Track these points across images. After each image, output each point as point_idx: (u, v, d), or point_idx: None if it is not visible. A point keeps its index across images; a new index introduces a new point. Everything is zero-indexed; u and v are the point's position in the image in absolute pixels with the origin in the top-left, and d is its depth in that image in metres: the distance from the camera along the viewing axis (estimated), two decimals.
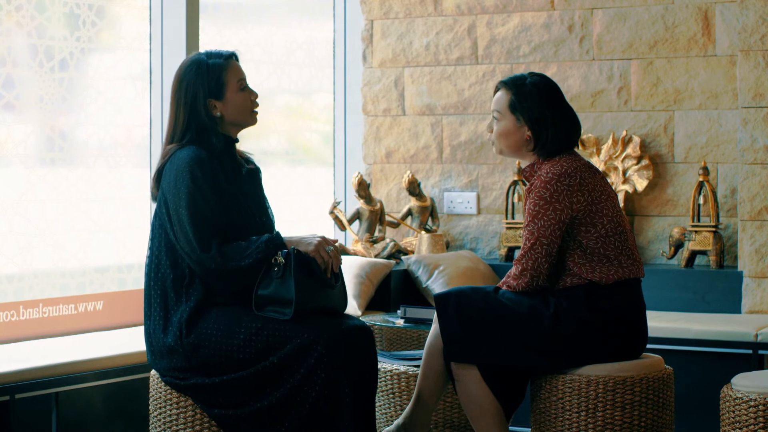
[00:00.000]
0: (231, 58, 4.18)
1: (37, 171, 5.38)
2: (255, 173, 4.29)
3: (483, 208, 6.97)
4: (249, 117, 4.20)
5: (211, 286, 4.05)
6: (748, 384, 4.14)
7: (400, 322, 4.96)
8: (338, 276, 4.13)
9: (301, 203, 7.04)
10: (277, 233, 4.08)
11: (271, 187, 6.41)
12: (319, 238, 4.08)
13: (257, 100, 4.22)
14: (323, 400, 3.91)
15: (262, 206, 4.26)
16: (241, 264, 3.98)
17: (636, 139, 6.50)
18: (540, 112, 4.23)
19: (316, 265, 4.04)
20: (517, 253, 4.26)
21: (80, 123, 5.59)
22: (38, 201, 5.38)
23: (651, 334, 5.51)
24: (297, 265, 3.97)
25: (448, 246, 6.91)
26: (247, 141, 6.66)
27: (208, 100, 4.11)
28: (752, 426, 4.05)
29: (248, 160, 4.30)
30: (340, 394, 3.92)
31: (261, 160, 6.42)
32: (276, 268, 3.98)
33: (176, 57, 5.87)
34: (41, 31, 5.38)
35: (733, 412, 4.14)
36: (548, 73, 6.52)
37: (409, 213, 6.89)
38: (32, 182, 5.36)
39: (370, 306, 6.23)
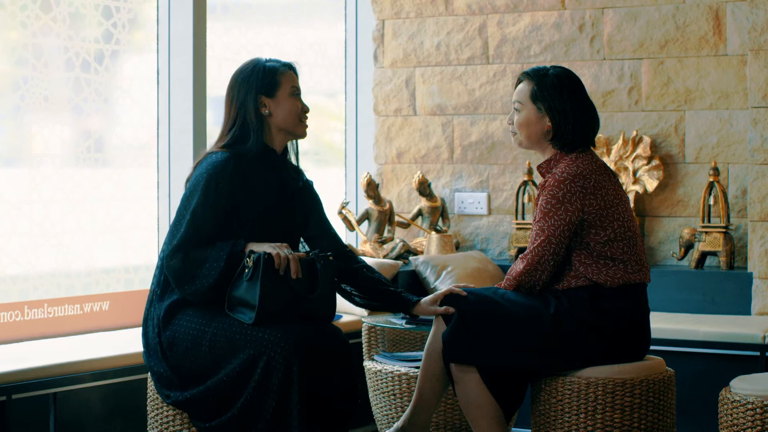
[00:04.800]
0: (288, 66, 4.20)
1: (42, 171, 5.39)
2: (299, 190, 4.27)
3: (494, 209, 6.95)
4: (297, 125, 4.19)
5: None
6: (746, 387, 4.11)
7: (402, 323, 4.94)
8: (315, 285, 4.08)
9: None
10: (240, 242, 4.03)
11: None
12: (278, 243, 4.04)
13: (308, 115, 4.22)
14: (281, 411, 3.86)
15: (294, 222, 4.25)
16: (204, 285, 4.00)
17: (646, 140, 6.46)
18: (561, 102, 4.22)
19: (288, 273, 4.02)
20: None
21: (86, 124, 5.60)
22: (43, 201, 5.39)
23: (658, 335, 5.49)
24: (265, 270, 3.95)
25: (458, 246, 6.89)
26: None
27: (260, 96, 4.12)
28: (750, 429, 4.02)
29: (295, 178, 4.28)
30: (292, 404, 3.86)
31: None
32: (246, 270, 3.97)
33: (183, 58, 5.87)
34: (46, 31, 5.39)
35: (731, 415, 4.10)
36: None
37: (420, 213, 6.87)
38: (37, 182, 5.37)
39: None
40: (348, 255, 4.36)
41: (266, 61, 4.18)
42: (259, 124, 4.13)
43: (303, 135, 4.23)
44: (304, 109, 4.20)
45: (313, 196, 4.33)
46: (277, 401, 3.86)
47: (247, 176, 4.10)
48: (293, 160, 4.30)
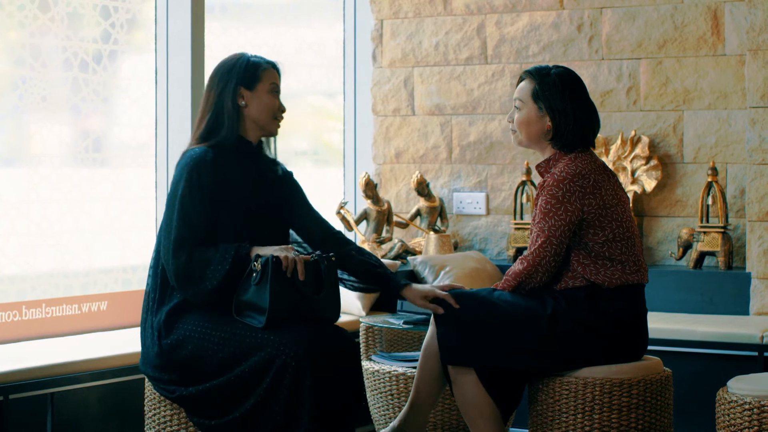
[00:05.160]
0: (272, 64, 4.23)
1: (40, 171, 5.39)
2: (278, 180, 4.28)
3: (492, 209, 6.95)
4: (271, 121, 4.20)
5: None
6: (743, 387, 4.10)
7: (399, 323, 4.94)
8: (321, 286, 4.09)
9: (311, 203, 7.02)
10: (245, 245, 4.03)
11: None
12: (282, 246, 4.04)
13: (283, 115, 4.24)
14: (290, 413, 3.87)
15: (278, 214, 4.25)
16: (207, 288, 3.98)
17: (645, 139, 6.46)
18: (562, 102, 4.21)
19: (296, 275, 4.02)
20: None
21: (84, 124, 5.60)
22: (41, 201, 5.39)
23: (656, 335, 5.48)
24: (274, 274, 3.95)
25: (456, 247, 6.89)
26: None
27: (239, 87, 4.13)
28: (747, 429, 4.01)
29: (273, 170, 4.29)
30: (303, 407, 3.86)
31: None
32: (255, 274, 3.97)
33: (181, 58, 5.87)
34: (44, 31, 5.39)
35: (728, 415, 4.10)
36: None
37: (418, 213, 6.87)
38: (35, 182, 5.37)
39: (375, 307, 6.21)
40: (337, 238, 4.35)
41: (251, 56, 4.21)
42: (235, 114, 4.14)
43: (274, 133, 4.24)
44: (281, 108, 4.22)
45: (294, 185, 4.33)
46: (287, 403, 3.86)
47: (227, 166, 4.10)
48: (270, 154, 4.30)
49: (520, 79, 4.33)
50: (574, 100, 4.24)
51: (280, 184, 4.28)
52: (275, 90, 4.20)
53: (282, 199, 4.28)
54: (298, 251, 4.21)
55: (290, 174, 4.34)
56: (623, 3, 6.55)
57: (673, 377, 4.37)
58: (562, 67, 4.31)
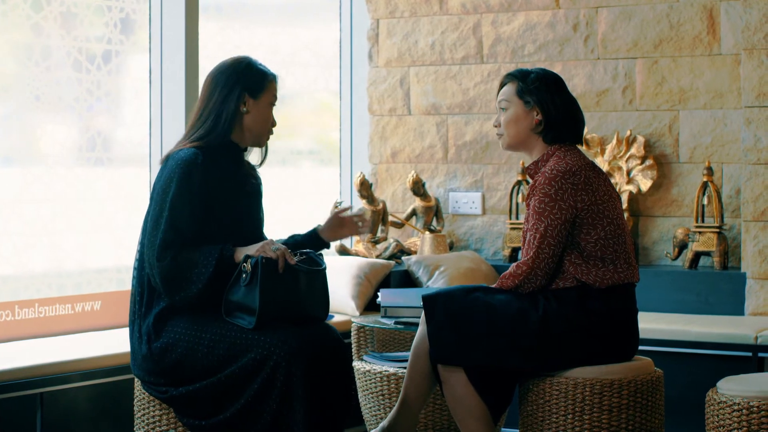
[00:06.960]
0: (275, 76, 4.23)
1: (33, 171, 5.39)
2: (256, 187, 4.28)
3: (488, 209, 6.94)
4: (264, 134, 4.21)
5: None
6: (733, 388, 4.08)
7: (391, 323, 4.94)
8: (311, 285, 4.08)
9: (307, 203, 7.02)
10: (228, 246, 4.02)
11: (276, 186, 6.40)
12: (263, 242, 4.04)
13: (273, 129, 4.25)
14: (281, 413, 3.88)
15: (253, 219, 4.26)
16: (192, 291, 3.97)
17: (640, 139, 6.44)
18: (548, 93, 4.23)
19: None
20: (521, 253, 4.23)
21: (79, 123, 5.60)
22: (35, 201, 5.39)
23: (650, 335, 5.47)
24: (264, 274, 3.95)
25: (452, 246, 6.88)
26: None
27: (244, 93, 4.11)
28: (735, 430, 4.00)
29: (253, 175, 4.29)
30: (295, 406, 3.87)
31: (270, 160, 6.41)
32: (244, 275, 3.96)
33: (176, 58, 5.86)
34: (38, 31, 5.38)
35: (718, 416, 4.09)
36: None
37: (414, 213, 6.86)
38: (29, 182, 5.37)
39: (369, 307, 6.19)
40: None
41: (258, 63, 4.20)
42: (234, 118, 4.12)
43: (263, 145, 4.26)
44: (273, 123, 4.23)
45: (261, 193, 4.33)
46: (278, 403, 3.86)
47: (216, 168, 4.09)
48: (257, 159, 4.31)
49: (502, 85, 4.34)
50: (559, 93, 4.25)
51: (257, 189, 4.29)
52: (273, 103, 4.21)
53: (257, 204, 4.29)
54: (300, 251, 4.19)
55: (261, 183, 4.35)
56: (619, 2, 6.54)
57: (668, 378, 4.36)
58: (542, 68, 4.34)
